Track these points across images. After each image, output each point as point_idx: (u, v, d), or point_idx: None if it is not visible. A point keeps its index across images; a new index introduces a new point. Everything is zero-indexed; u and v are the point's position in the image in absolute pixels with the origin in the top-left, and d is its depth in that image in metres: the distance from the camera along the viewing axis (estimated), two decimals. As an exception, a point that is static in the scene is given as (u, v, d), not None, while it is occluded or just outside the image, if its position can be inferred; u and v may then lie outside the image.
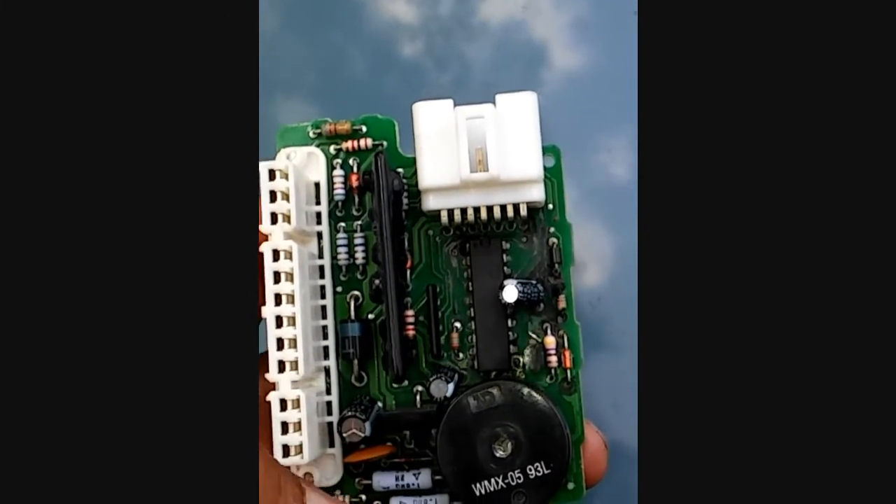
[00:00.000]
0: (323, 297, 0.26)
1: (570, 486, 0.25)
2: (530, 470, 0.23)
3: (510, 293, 0.24)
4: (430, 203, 0.25)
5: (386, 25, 0.30)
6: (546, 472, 0.23)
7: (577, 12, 0.36)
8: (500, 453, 0.24)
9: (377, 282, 0.25)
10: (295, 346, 0.24)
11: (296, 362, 0.24)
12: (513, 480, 0.23)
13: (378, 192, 0.24)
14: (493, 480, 0.23)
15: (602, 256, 0.34)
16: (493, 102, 0.25)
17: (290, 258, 0.24)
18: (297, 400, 0.24)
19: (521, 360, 0.26)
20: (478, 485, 0.23)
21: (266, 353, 0.25)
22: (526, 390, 0.24)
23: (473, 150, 0.25)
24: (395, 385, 0.26)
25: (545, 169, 0.26)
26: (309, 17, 0.37)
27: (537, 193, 0.25)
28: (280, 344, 0.24)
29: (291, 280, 0.24)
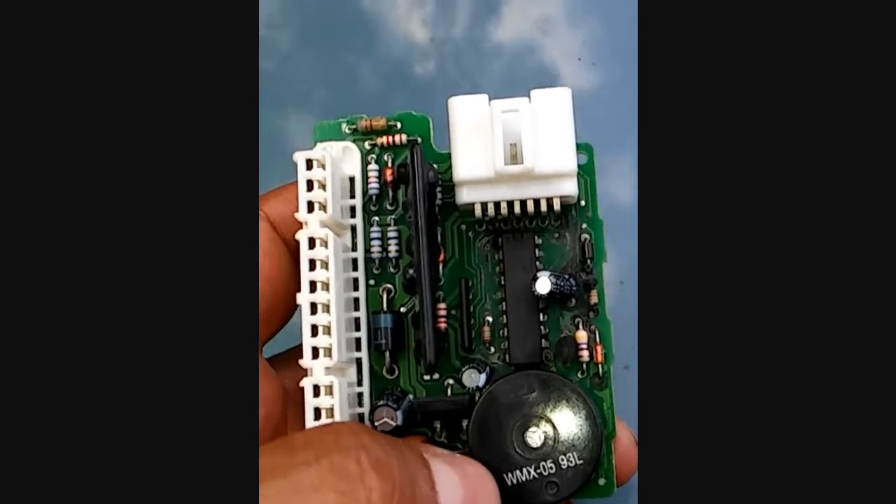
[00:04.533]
0: (356, 289, 0.26)
1: (602, 481, 0.25)
2: (562, 460, 0.23)
3: (543, 285, 0.24)
4: (465, 196, 0.25)
5: (400, 45, 0.31)
6: (578, 462, 0.23)
7: (590, 35, 0.36)
8: (532, 443, 0.24)
9: (411, 271, 0.25)
10: (329, 333, 0.24)
11: (329, 349, 0.24)
12: (545, 471, 0.23)
13: (414, 181, 0.24)
14: (524, 470, 0.23)
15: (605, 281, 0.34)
16: (529, 97, 0.25)
17: (326, 246, 0.24)
18: (330, 386, 0.24)
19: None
20: (509, 474, 0.23)
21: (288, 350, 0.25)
22: (557, 379, 0.24)
23: (507, 144, 0.25)
24: (426, 377, 0.26)
25: (579, 166, 0.26)
26: (324, 35, 0.38)
27: (571, 187, 0.25)
28: (314, 331, 0.24)
29: (326, 268, 0.24)
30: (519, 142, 0.25)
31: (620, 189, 0.36)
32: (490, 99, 0.25)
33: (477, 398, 0.24)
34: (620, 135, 0.34)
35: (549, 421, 0.24)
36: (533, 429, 0.24)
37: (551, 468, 0.23)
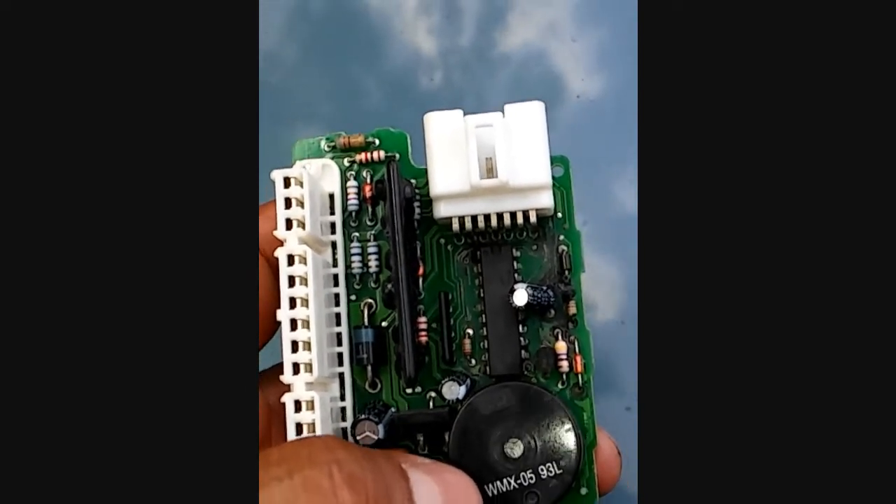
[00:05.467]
0: (337, 304, 0.27)
1: (584, 491, 0.25)
2: (542, 470, 0.24)
3: (521, 297, 0.25)
4: (442, 210, 0.26)
5: (406, 57, 0.31)
6: (558, 472, 0.24)
7: (597, 43, 0.36)
8: (512, 454, 0.24)
9: (389, 286, 0.25)
10: (309, 349, 0.24)
11: (310, 364, 0.24)
12: (525, 481, 0.24)
13: (390, 196, 0.25)
14: (505, 481, 0.24)
15: (612, 291, 0.35)
16: (503, 112, 0.25)
17: (305, 262, 0.24)
18: (312, 402, 0.24)
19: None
20: (490, 485, 0.24)
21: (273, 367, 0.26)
22: (536, 391, 0.24)
23: (483, 158, 0.25)
24: (408, 391, 0.26)
25: (555, 179, 0.27)
26: (329, 47, 0.38)
27: (546, 200, 0.25)
28: (294, 346, 0.24)
29: (306, 284, 0.24)
30: (494, 156, 0.25)
31: (630, 198, 0.36)
32: (465, 113, 0.25)
33: (458, 410, 0.25)
34: (629, 142, 0.34)
35: (529, 432, 0.24)
36: (513, 440, 0.24)
37: (531, 478, 0.24)
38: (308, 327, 0.24)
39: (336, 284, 0.27)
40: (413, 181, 0.27)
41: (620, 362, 0.34)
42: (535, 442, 0.24)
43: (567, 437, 0.24)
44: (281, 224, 0.24)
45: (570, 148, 0.35)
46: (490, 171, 0.25)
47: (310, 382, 0.24)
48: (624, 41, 0.37)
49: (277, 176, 0.25)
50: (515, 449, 0.24)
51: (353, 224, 0.27)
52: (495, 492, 0.24)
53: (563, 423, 0.24)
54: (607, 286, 0.35)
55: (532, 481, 0.24)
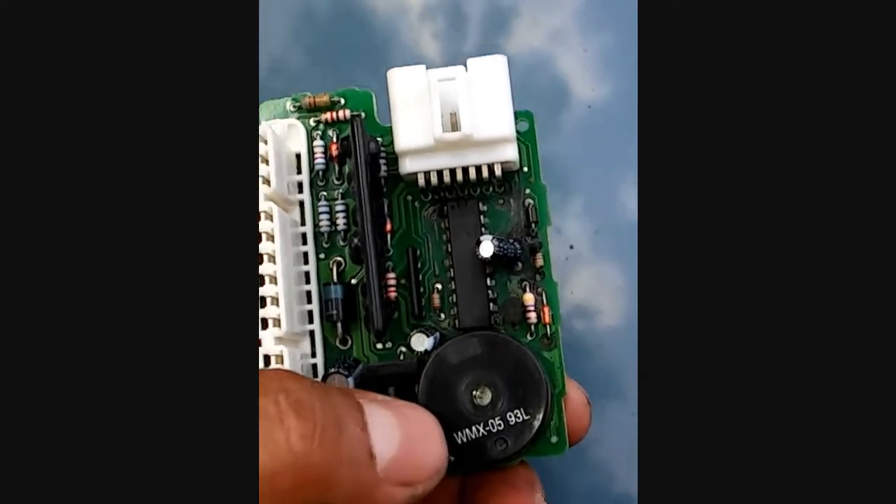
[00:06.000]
0: (306, 262, 0.27)
1: (554, 439, 0.26)
2: (510, 416, 0.24)
3: (486, 248, 0.25)
4: (407, 166, 0.26)
5: (411, 63, 0.30)
6: (526, 417, 0.24)
7: (602, 47, 0.36)
8: (480, 402, 0.24)
9: (356, 240, 0.25)
10: (277, 304, 0.24)
11: (278, 319, 0.24)
12: (493, 427, 0.24)
13: (355, 150, 0.25)
14: (474, 428, 0.24)
15: (616, 297, 0.35)
16: (465, 66, 0.26)
17: (271, 219, 0.24)
18: (281, 356, 0.24)
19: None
20: (459, 433, 0.24)
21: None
22: (503, 338, 0.24)
23: (447, 113, 0.25)
24: (378, 346, 0.26)
25: (519, 133, 0.27)
26: (334, 53, 0.38)
27: (510, 153, 0.26)
28: (262, 302, 0.24)
29: (272, 240, 0.24)
30: (457, 110, 0.25)
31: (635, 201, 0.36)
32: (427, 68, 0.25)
33: (427, 361, 0.25)
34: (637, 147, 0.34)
35: (497, 379, 0.24)
36: (481, 388, 0.24)
37: (500, 425, 0.24)
38: (275, 283, 0.24)
39: (304, 243, 0.27)
40: (379, 139, 0.27)
41: (625, 368, 0.34)
42: (503, 389, 0.24)
43: (534, 383, 0.24)
44: (246, 181, 0.25)
45: (578, 154, 0.35)
46: (454, 126, 0.25)
47: (279, 337, 0.24)
48: (631, 46, 0.36)
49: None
50: (484, 397, 0.24)
51: (320, 183, 0.27)
52: (465, 439, 0.24)
53: (529, 369, 0.24)
54: (613, 293, 0.35)
55: (500, 427, 0.24)
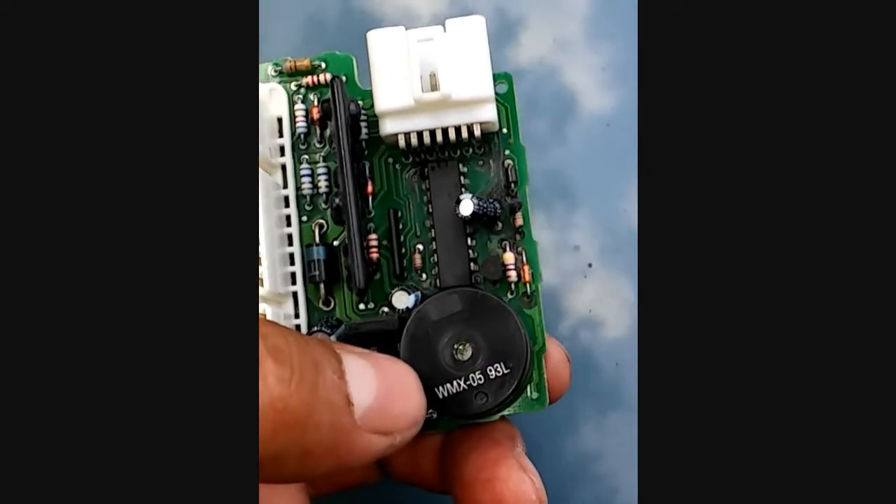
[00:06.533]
0: (289, 225, 0.27)
1: (534, 395, 0.26)
2: (490, 371, 0.24)
3: (466, 206, 0.25)
4: (388, 127, 0.26)
5: None
6: (506, 371, 0.24)
7: (609, 57, 0.36)
8: (461, 357, 0.24)
9: (337, 200, 0.26)
10: (260, 264, 0.25)
11: (261, 279, 0.25)
12: (474, 382, 0.24)
13: (335, 110, 0.25)
14: (455, 383, 0.24)
15: (624, 309, 0.35)
16: (444, 27, 0.26)
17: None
18: (264, 315, 0.24)
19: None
20: (440, 388, 0.24)
21: None
22: (482, 294, 0.25)
23: (427, 74, 0.26)
24: (360, 307, 0.27)
25: (499, 95, 0.27)
26: None
27: (489, 113, 0.26)
28: (245, 261, 0.24)
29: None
30: (436, 70, 0.25)
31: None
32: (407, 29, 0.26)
33: (407, 318, 0.25)
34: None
35: (477, 334, 0.24)
36: (461, 342, 0.24)
37: (480, 379, 0.24)
38: (259, 244, 0.25)
39: (287, 206, 0.27)
40: (360, 102, 0.27)
41: (629, 379, 0.34)
42: (483, 344, 0.24)
43: (513, 338, 0.24)
44: (227, 142, 0.25)
45: (583, 164, 0.35)
46: (434, 87, 0.26)
47: (262, 297, 0.25)
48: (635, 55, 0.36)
49: (222, 95, 0.25)
50: (465, 352, 0.24)
51: (302, 146, 0.28)
52: (446, 394, 0.24)
53: (509, 323, 0.24)
54: (620, 304, 0.35)
55: (481, 382, 0.24)
